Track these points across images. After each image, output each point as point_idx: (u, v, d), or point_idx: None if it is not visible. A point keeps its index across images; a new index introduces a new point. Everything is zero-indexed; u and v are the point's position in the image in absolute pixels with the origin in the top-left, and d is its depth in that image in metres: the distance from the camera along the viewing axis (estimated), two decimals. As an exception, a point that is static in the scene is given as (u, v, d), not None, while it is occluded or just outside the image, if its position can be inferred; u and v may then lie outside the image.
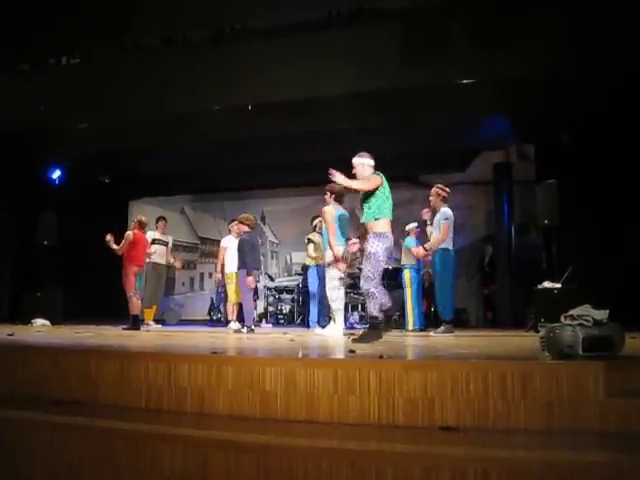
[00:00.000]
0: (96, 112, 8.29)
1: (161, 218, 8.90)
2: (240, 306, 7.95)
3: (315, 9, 7.35)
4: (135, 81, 8.02)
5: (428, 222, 7.08)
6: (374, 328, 4.72)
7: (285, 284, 10.46)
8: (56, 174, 10.64)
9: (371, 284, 4.71)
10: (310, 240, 8.03)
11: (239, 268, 7.21)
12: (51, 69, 8.83)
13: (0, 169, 9.43)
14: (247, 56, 7.53)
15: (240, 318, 7.94)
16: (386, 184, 4.89)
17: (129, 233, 7.64)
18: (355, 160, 5.04)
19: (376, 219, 4.81)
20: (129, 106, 8.11)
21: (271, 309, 10.40)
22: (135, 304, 7.48)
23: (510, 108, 7.64)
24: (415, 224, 8.15)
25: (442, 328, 6.45)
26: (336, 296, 6.38)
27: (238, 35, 7.99)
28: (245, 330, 7.04)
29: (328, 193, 6.55)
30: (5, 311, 9.51)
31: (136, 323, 7.44)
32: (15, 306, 9.15)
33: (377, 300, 4.74)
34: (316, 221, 7.70)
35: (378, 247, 4.74)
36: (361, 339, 4.59)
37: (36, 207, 9.43)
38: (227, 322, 8.34)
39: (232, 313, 8.29)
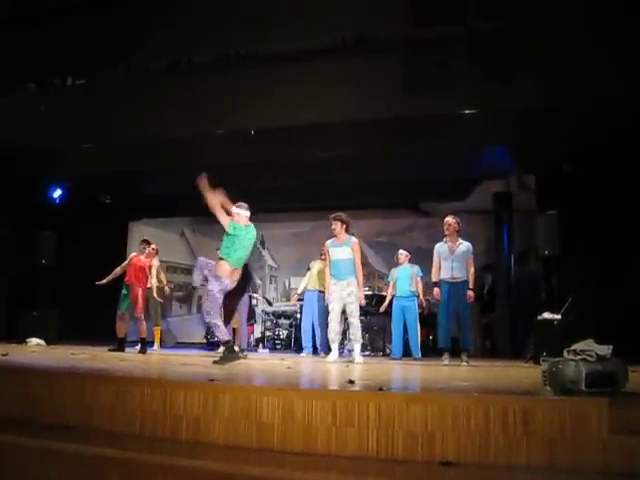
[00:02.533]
0: (99, 132, 8.30)
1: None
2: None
3: (319, 37, 7.40)
4: (138, 103, 8.05)
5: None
6: (230, 351, 5.36)
7: (283, 309, 10.39)
8: (57, 193, 10.64)
9: (213, 317, 5.39)
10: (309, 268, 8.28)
11: None
12: (56, 89, 8.88)
13: (1, 187, 9.45)
14: (250, 81, 7.57)
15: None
16: (245, 235, 5.49)
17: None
18: (233, 209, 5.58)
19: (221, 259, 5.40)
20: (132, 127, 8.14)
21: (268, 334, 10.33)
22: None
23: (511, 138, 7.68)
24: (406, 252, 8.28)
25: (466, 357, 6.49)
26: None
27: (242, 60, 8.04)
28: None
29: (339, 223, 6.53)
30: (1, 329, 9.43)
31: (145, 346, 7.48)
32: (11, 325, 9.08)
33: (221, 328, 5.44)
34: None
35: (215, 287, 5.33)
36: (220, 361, 5.18)
37: (36, 226, 9.42)
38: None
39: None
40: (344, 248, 6.53)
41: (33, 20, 7.70)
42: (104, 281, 7.84)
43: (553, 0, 6.53)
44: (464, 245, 6.70)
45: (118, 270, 7.85)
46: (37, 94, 8.74)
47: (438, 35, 6.98)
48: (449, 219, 6.77)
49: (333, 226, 6.59)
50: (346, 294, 6.42)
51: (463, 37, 6.92)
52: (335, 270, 6.56)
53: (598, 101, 6.58)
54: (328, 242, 6.73)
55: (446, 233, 6.75)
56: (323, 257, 7.67)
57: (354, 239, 6.61)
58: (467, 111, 7.07)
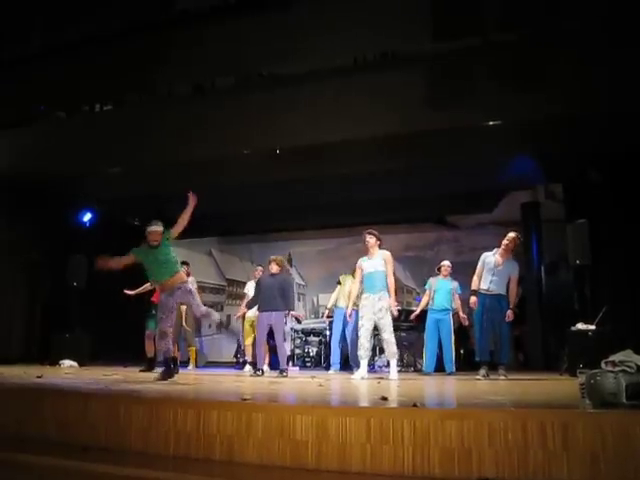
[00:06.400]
0: (126, 156, 8.46)
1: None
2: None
3: (340, 56, 7.45)
4: (164, 126, 8.18)
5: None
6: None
7: (312, 326, 10.37)
8: (87, 217, 10.86)
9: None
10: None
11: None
12: (85, 116, 9.09)
13: (33, 212, 9.70)
14: (274, 101, 7.64)
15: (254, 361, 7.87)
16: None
17: None
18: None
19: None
20: (158, 150, 8.27)
21: (298, 352, 10.31)
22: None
23: (537, 148, 7.60)
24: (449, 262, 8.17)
25: (503, 371, 6.35)
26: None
27: (265, 81, 8.14)
28: (258, 372, 7.05)
29: (374, 237, 6.57)
30: (35, 352, 9.60)
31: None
32: (44, 347, 9.25)
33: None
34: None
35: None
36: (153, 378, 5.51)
37: (67, 249, 9.62)
38: (253, 365, 8.28)
39: (249, 355, 8.35)
40: (377, 260, 6.54)
41: (61, 49, 7.90)
42: (133, 292, 7.88)
43: (572, 8, 6.47)
44: (511, 263, 6.51)
45: (149, 285, 7.78)
46: (67, 121, 8.96)
47: (459, 48, 6.97)
48: (513, 235, 6.61)
49: (368, 238, 6.61)
50: (377, 309, 6.38)
51: (484, 49, 6.90)
52: (368, 283, 6.54)
53: (625, 105, 6.47)
54: (360, 259, 6.73)
55: (509, 247, 6.55)
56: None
57: (386, 251, 6.62)
58: (491, 122, 7.01)
